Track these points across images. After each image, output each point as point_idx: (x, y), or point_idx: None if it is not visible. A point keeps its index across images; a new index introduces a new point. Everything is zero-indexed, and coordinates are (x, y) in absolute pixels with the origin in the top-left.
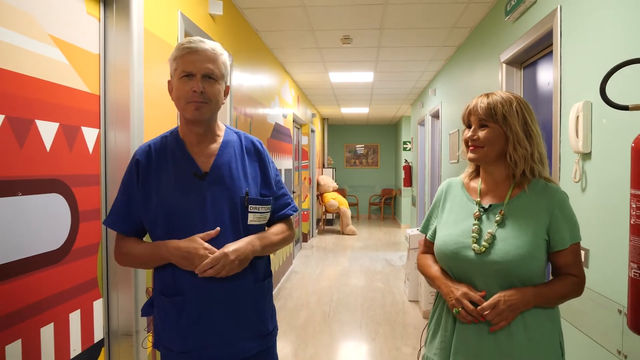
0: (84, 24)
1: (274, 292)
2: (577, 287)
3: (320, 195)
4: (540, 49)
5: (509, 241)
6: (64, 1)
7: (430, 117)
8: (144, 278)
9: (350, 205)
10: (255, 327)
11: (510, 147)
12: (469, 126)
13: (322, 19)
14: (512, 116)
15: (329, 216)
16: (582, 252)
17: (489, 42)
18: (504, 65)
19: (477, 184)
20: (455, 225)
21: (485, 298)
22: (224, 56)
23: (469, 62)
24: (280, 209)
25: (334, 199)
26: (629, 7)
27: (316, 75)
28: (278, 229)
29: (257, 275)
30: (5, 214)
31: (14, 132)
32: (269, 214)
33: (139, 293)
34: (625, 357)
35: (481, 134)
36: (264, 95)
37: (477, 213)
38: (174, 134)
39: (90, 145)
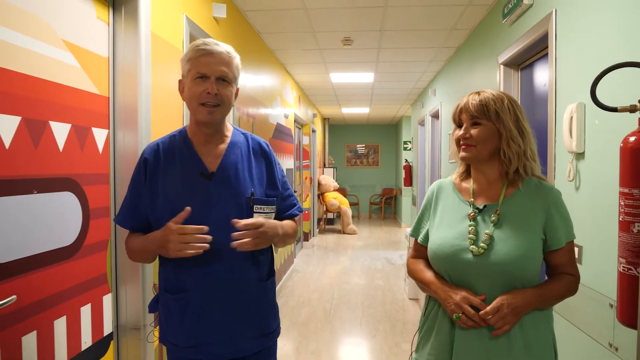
0: (94, 29)
1: (275, 290)
2: (573, 286)
3: (321, 195)
4: (537, 51)
5: (508, 241)
6: (76, 7)
7: (430, 117)
8: (151, 274)
9: (351, 204)
10: (258, 326)
11: (504, 144)
12: (460, 125)
13: (323, 21)
14: (504, 112)
15: (330, 215)
16: (576, 249)
17: (487, 43)
18: (502, 66)
19: (469, 184)
20: (450, 227)
21: (485, 301)
22: (237, 59)
23: (468, 63)
24: (287, 209)
25: (335, 199)
26: (622, 11)
27: (317, 75)
28: (288, 223)
29: (261, 273)
30: (21, 211)
31: (30, 132)
32: (273, 214)
33: (146, 288)
34: (617, 349)
35: (473, 132)
36: (266, 95)
37: (472, 214)
38: (182, 133)
39: (100, 145)
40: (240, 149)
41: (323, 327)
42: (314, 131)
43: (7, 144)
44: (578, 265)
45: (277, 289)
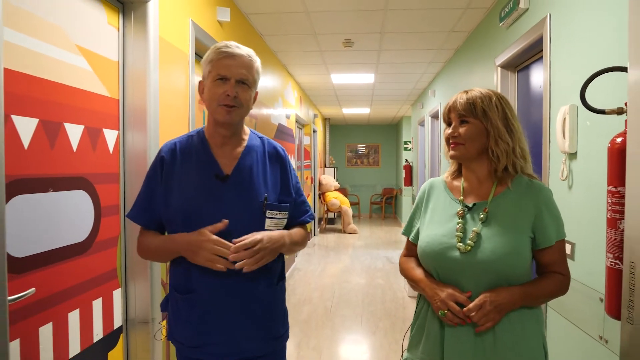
0: (105, 34)
1: (285, 295)
2: (563, 285)
3: (322, 195)
4: (533, 53)
5: (494, 239)
6: (88, 13)
7: (430, 118)
8: (159, 270)
9: (352, 204)
10: (266, 329)
11: (492, 141)
12: (449, 124)
13: (324, 24)
14: (492, 110)
15: (331, 215)
16: (569, 246)
17: (484, 46)
18: (499, 68)
19: (460, 182)
20: (439, 225)
21: (471, 298)
22: (258, 63)
23: (466, 64)
24: (299, 216)
25: (336, 198)
26: (613, 16)
27: (318, 76)
28: (298, 231)
29: (271, 278)
30: (39, 209)
31: (47, 134)
32: (285, 220)
33: (154, 284)
34: (607, 341)
35: (462, 130)
36: (268, 96)
37: (461, 212)
38: (200, 134)
39: (111, 146)
40: (256, 152)
41: (324, 325)
42: (314, 131)
43: (25, 144)
44: (570, 261)
45: None
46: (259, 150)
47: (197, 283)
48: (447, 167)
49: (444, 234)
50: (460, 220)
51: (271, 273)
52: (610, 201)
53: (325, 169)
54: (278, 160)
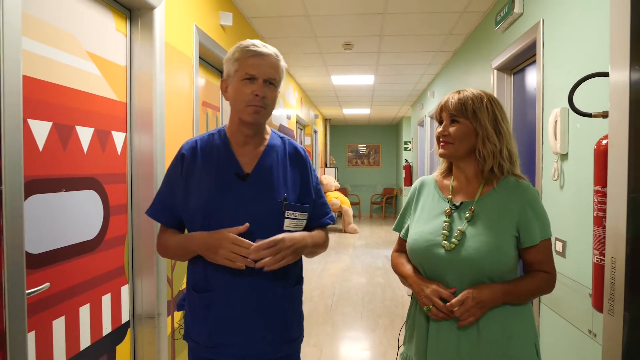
0: (113, 40)
1: (302, 299)
2: (547, 283)
3: None
4: (527, 57)
5: (478, 238)
6: (97, 20)
7: (429, 119)
8: (165, 267)
9: (352, 204)
10: (280, 332)
11: (480, 142)
12: (440, 122)
13: (324, 27)
14: (482, 112)
15: None
16: (560, 244)
17: (481, 49)
18: (495, 71)
19: (450, 181)
20: (427, 222)
21: (456, 294)
22: (283, 62)
23: (464, 66)
24: (320, 217)
25: (336, 198)
26: (603, 21)
27: (319, 78)
28: (319, 233)
29: (288, 280)
30: (52, 208)
31: (59, 136)
32: (304, 221)
33: (160, 281)
34: (595, 335)
35: (452, 129)
36: None
37: (448, 210)
38: (221, 132)
39: (119, 147)
40: (277, 152)
41: (324, 322)
42: (315, 132)
43: (40, 146)
44: (562, 259)
45: None
46: (280, 150)
47: (215, 282)
48: None
49: (430, 231)
50: (446, 219)
51: (288, 276)
52: (596, 200)
53: (326, 169)
54: (299, 160)
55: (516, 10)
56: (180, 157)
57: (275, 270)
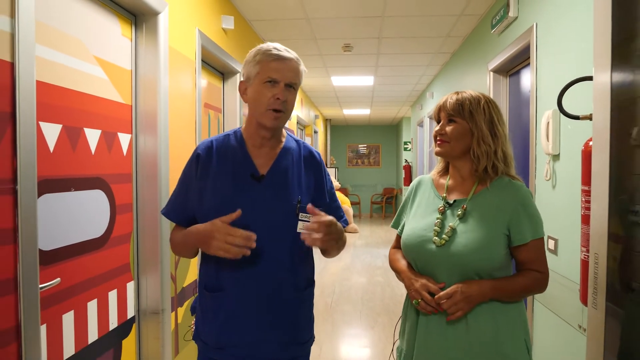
0: (119, 44)
1: (313, 301)
2: (538, 282)
3: None
4: (522, 59)
5: (468, 234)
6: (104, 26)
7: (428, 119)
8: (169, 264)
9: (353, 204)
10: (290, 334)
11: (475, 143)
12: (438, 122)
13: (324, 29)
14: (478, 113)
15: None
16: (552, 242)
17: (478, 51)
18: (491, 73)
19: (446, 180)
20: (421, 219)
21: (444, 289)
22: (303, 67)
23: (462, 68)
24: None
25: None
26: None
27: (319, 79)
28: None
29: (299, 282)
30: (62, 207)
31: (69, 138)
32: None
33: (164, 278)
34: (585, 330)
35: (448, 129)
36: None
37: (442, 208)
38: (237, 133)
39: (125, 148)
40: (292, 155)
41: (324, 320)
42: (315, 132)
43: (51, 148)
44: (554, 256)
45: None
46: (295, 153)
47: (226, 282)
48: None
49: (423, 227)
50: (439, 216)
51: (300, 277)
52: (583, 199)
53: (327, 169)
54: (313, 164)
55: (511, 14)
56: (195, 157)
57: (287, 271)
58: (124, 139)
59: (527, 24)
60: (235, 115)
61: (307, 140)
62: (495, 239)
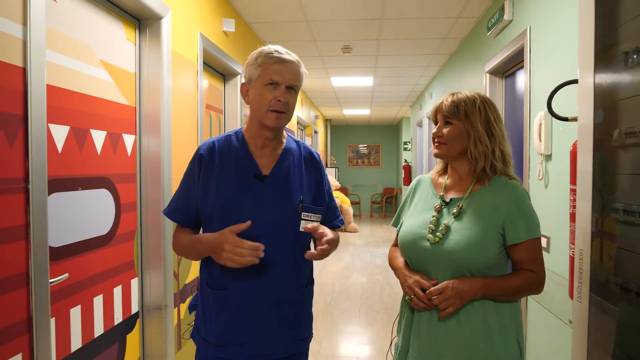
0: (123, 48)
1: (312, 299)
2: (533, 282)
3: None
4: (517, 61)
5: (461, 232)
6: (109, 31)
7: (427, 119)
8: (172, 262)
9: (353, 203)
10: (292, 331)
11: (471, 143)
12: (436, 123)
13: (323, 31)
14: (474, 114)
15: None
16: (544, 240)
17: (475, 53)
18: (488, 74)
19: (444, 179)
20: (417, 217)
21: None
22: (303, 69)
23: (459, 69)
24: (332, 220)
25: (337, 198)
26: None
27: (319, 80)
28: (337, 233)
29: (301, 280)
30: (69, 205)
31: (76, 139)
32: (318, 223)
33: (167, 275)
34: None
35: (445, 130)
36: None
37: (438, 206)
38: (238, 134)
39: (129, 149)
40: (293, 156)
41: (324, 317)
42: (316, 132)
43: (59, 149)
44: (546, 254)
45: None
46: (296, 154)
47: (231, 281)
48: None
49: (418, 225)
50: (435, 214)
51: (302, 275)
52: (572, 198)
53: (327, 169)
54: (313, 164)
55: (506, 17)
56: (198, 158)
57: (290, 269)
58: (129, 140)
59: (521, 27)
60: (236, 116)
61: (308, 141)
62: (488, 237)
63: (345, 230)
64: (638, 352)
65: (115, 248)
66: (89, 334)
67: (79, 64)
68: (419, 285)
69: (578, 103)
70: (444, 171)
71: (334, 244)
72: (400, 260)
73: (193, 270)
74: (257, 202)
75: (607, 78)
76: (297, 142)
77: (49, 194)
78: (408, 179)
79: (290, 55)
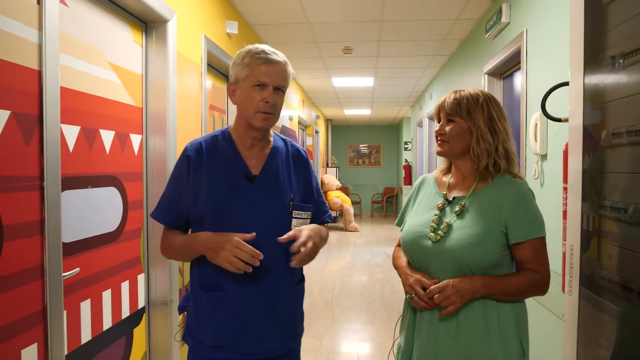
0: (131, 51)
1: (304, 296)
2: (536, 282)
3: (324, 194)
4: (514, 63)
5: (462, 230)
6: (117, 34)
7: (427, 120)
8: None
9: (353, 203)
10: (286, 328)
11: (474, 141)
12: (439, 121)
13: (324, 33)
14: (476, 111)
15: (333, 214)
16: None
17: (474, 54)
18: (486, 75)
19: (448, 178)
20: (420, 215)
21: None
22: (290, 69)
23: (458, 70)
24: (320, 216)
25: (338, 197)
26: None
27: (320, 80)
28: (324, 229)
29: (294, 277)
30: (80, 202)
31: (86, 139)
32: (309, 220)
33: (172, 271)
34: None
35: (447, 128)
36: None
37: (441, 205)
38: (225, 134)
39: (136, 148)
40: (281, 154)
41: (324, 315)
42: (317, 132)
43: (70, 148)
44: None
45: None
46: (283, 152)
47: (226, 281)
48: None
49: (420, 223)
50: (437, 212)
51: (294, 273)
52: (564, 196)
53: (328, 168)
54: (301, 162)
55: (503, 19)
56: (186, 159)
57: (284, 268)
58: (136, 140)
59: (518, 29)
60: None
61: (309, 141)
62: (490, 236)
63: (346, 230)
64: (625, 342)
65: (123, 244)
66: (98, 327)
67: (89, 66)
68: (420, 284)
69: (569, 104)
70: (448, 170)
71: (319, 239)
72: (403, 260)
73: None
74: (248, 203)
75: (595, 80)
76: (284, 140)
77: (62, 191)
78: (408, 179)
79: (278, 56)
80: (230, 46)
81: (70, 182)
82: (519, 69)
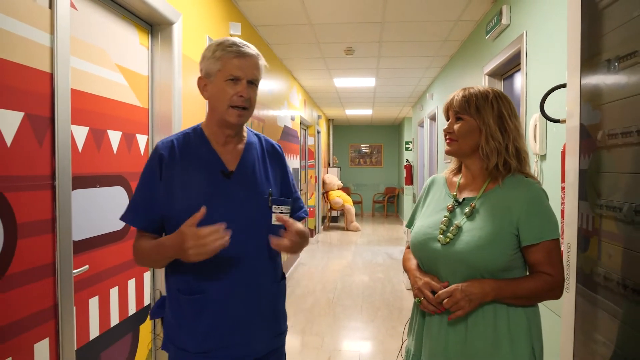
0: (137, 53)
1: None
2: (549, 286)
3: (325, 194)
4: (514, 64)
5: (472, 232)
6: (124, 36)
7: (428, 120)
8: None
9: (355, 203)
10: (272, 327)
11: (483, 139)
12: (448, 119)
13: (326, 34)
14: (485, 109)
15: (334, 213)
16: None
17: (474, 55)
18: (486, 76)
19: (458, 179)
20: (429, 217)
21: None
22: (262, 61)
23: (459, 71)
24: (296, 211)
25: (339, 197)
26: None
27: (321, 81)
28: (307, 229)
29: (276, 275)
30: (88, 201)
31: (95, 139)
32: (288, 215)
33: None
34: None
35: (456, 127)
36: (274, 100)
37: (450, 206)
38: (197, 131)
39: (142, 148)
40: (256, 149)
41: (326, 313)
42: (318, 132)
43: (80, 148)
44: None
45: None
46: (258, 147)
47: (206, 284)
48: (443, 168)
49: (430, 225)
50: (447, 214)
51: (277, 269)
52: (562, 195)
53: (329, 168)
54: (276, 157)
55: (504, 21)
56: (158, 158)
57: (266, 265)
58: (142, 140)
59: (518, 31)
60: None
61: (310, 140)
62: (501, 238)
63: (347, 230)
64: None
65: (129, 243)
66: (106, 323)
67: (97, 68)
68: (429, 288)
69: (566, 106)
70: (458, 170)
71: (304, 237)
72: (412, 262)
73: None
74: (226, 199)
75: (592, 83)
76: (257, 135)
77: (71, 191)
78: (409, 179)
79: (250, 48)
80: None
81: (79, 182)
82: (519, 70)
